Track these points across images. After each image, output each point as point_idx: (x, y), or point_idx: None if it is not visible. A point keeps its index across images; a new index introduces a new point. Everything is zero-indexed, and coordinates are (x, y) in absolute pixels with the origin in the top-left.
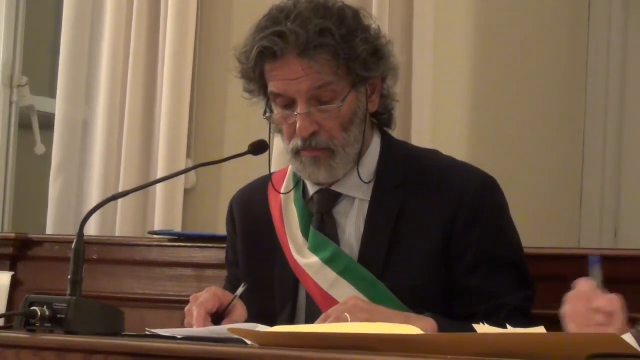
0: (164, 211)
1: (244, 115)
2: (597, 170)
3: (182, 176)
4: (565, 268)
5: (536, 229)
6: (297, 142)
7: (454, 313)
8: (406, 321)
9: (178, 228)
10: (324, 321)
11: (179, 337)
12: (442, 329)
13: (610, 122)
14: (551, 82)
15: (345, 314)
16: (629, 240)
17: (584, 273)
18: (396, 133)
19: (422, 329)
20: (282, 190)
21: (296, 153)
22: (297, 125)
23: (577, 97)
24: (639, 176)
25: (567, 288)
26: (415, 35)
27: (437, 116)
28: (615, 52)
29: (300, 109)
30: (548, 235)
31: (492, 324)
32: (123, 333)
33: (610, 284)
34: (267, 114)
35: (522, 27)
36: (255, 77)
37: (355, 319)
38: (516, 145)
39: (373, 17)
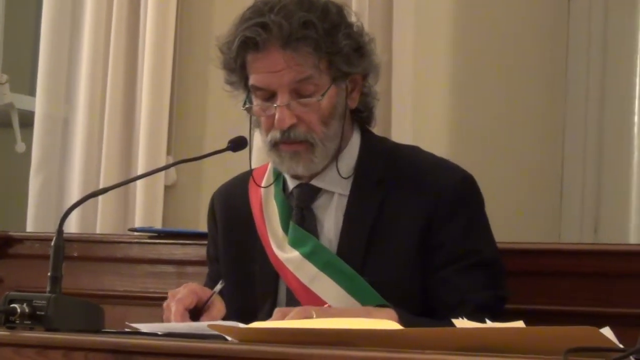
0: (145, 208)
1: (224, 112)
2: (577, 165)
3: (162, 173)
4: (546, 263)
5: (516, 224)
6: (276, 134)
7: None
8: (367, 314)
9: (158, 225)
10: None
11: (159, 333)
12: (403, 321)
13: (590, 117)
14: (531, 78)
15: (312, 310)
16: (608, 235)
17: (564, 268)
18: (377, 130)
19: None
20: (263, 185)
21: (274, 145)
22: (276, 117)
23: (557, 93)
24: (618, 172)
25: (547, 283)
26: (395, 32)
27: (417, 113)
28: (596, 47)
29: (280, 101)
30: (528, 231)
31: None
32: (103, 330)
33: (590, 278)
34: (247, 105)
35: (502, 24)
36: (237, 67)
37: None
38: (496, 141)
39: (356, 15)
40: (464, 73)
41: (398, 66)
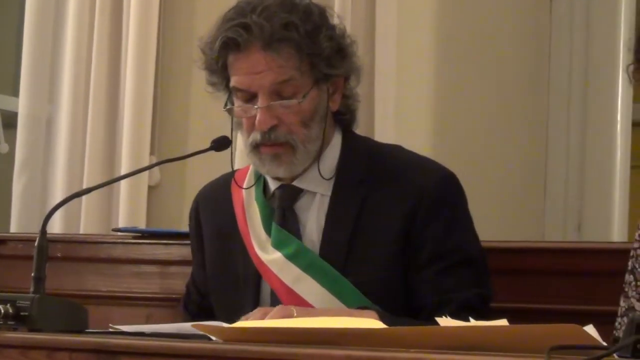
0: (128, 208)
1: (207, 113)
2: (561, 164)
3: (146, 173)
4: (529, 262)
5: (500, 223)
6: (256, 135)
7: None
8: (349, 315)
9: (142, 225)
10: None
11: (146, 332)
12: (384, 321)
13: (573, 116)
14: (514, 78)
15: (292, 308)
16: (592, 233)
17: (548, 266)
18: (360, 131)
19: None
20: (244, 186)
21: (255, 147)
22: (257, 119)
23: (540, 92)
24: (602, 170)
25: (531, 281)
26: (377, 33)
27: (400, 113)
28: (578, 47)
29: (260, 102)
30: (512, 229)
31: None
32: (87, 330)
33: (574, 276)
34: (228, 106)
35: (485, 25)
36: (218, 68)
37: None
38: (480, 140)
39: (339, 17)
40: (447, 73)
41: (381, 67)
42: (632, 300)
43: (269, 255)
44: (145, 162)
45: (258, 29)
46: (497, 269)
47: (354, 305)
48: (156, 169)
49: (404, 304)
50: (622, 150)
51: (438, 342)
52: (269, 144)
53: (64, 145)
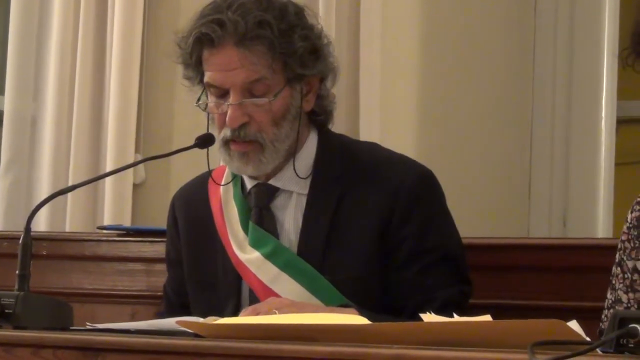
0: (113, 206)
1: (192, 110)
2: (546, 160)
3: (131, 171)
4: (514, 258)
5: (485, 219)
6: (227, 132)
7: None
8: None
9: (127, 223)
10: (249, 314)
11: (131, 329)
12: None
13: (558, 113)
14: (499, 75)
15: (274, 310)
16: (577, 229)
17: (533, 262)
18: (344, 128)
19: None
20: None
21: (225, 143)
22: (227, 115)
23: (524, 89)
24: (586, 166)
25: (517, 277)
26: (362, 30)
27: (385, 111)
28: (562, 42)
29: (232, 99)
30: (497, 225)
31: None
32: (71, 327)
33: (559, 272)
34: (200, 102)
35: (469, 22)
36: (192, 63)
37: (284, 314)
38: (465, 137)
39: (319, 18)
40: (432, 71)
41: (365, 65)
42: (619, 292)
43: (247, 255)
44: (131, 160)
45: (232, 25)
46: (483, 265)
47: (332, 304)
48: (141, 166)
49: (381, 301)
50: (607, 147)
51: (422, 338)
52: (238, 141)
53: (49, 143)
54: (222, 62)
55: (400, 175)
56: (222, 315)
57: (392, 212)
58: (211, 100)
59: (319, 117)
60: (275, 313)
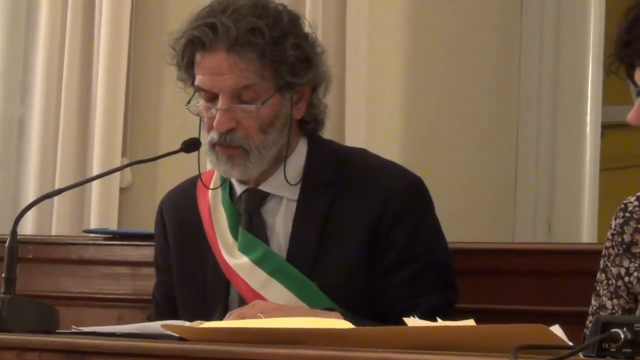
0: (100, 210)
1: (179, 114)
2: (531, 166)
3: (118, 175)
4: (500, 262)
5: (471, 224)
6: (214, 135)
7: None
8: (315, 316)
9: (114, 227)
10: (234, 318)
11: (117, 333)
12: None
13: (544, 118)
14: (484, 82)
15: (259, 314)
16: (562, 234)
17: (518, 267)
18: (330, 135)
19: None
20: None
21: (212, 146)
22: (215, 120)
23: (510, 95)
24: (572, 171)
25: (502, 282)
26: (348, 39)
27: (371, 118)
28: (548, 49)
29: (221, 104)
30: (482, 230)
31: None
32: (57, 331)
33: (544, 277)
34: (191, 104)
35: (456, 29)
36: (184, 65)
37: (269, 317)
38: (450, 143)
39: (312, 27)
40: (418, 79)
41: (352, 73)
42: (604, 298)
43: (236, 260)
44: (117, 164)
45: (224, 30)
46: (468, 269)
47: (320, 308)
48: (128, 170)
49: (370, 307)
50: (592, 152)
51: (406, 342)
52: (225, 145)
53: (36, 146)
54: (212, 66)
55: (389, 182)
56: (210, 320)
57: (382, 218)
58: (201, 103)
59: (308, 125)
60: (261, 317)
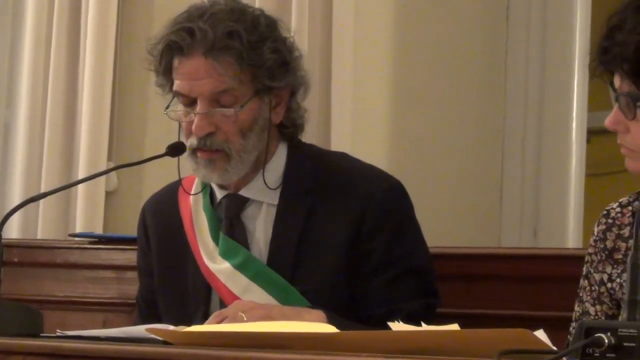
0: (85, 214)
1: (165, 119)
2: (517, 171)
3: (103, 179)
4: (485, 267)
5: (456, 229)
6: (193, 140)
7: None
8: (298, 314)
9: (99, 231)
10: (217, 319)
11: (101, 337)
12: (331, 323)
13: (530, 123)
14: (471, 85)
15: (241, 313)
16: (548, 239)
17: (503, 272)
18: (316, 139)
19: (311, 322)
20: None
21: (192, 152)
22: (194, 124)
23: (496, 100)
24: (558, 176)
25: (487, 287)
26: (334, 43)
27: (356, 122)
28: (534, 53)
29: (199, 108)
30: (468, 235)
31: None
32: (42, 334)
33: (529, 282)
34: (169, 109)
35: (442, 33)
36: (162, 70)
37: (252, 317)
38: (436, 146)
39: (291, 31)
40: (404, 82)
41: (337, 77)
42: (587, 305)
43: (217, 265)
44: (103, 168)
45: (201, 34)
46: (453, 274)
47: None
48: (113, 174)
49: (351, 312)
50: (578, 158)
51: (390, 346)
52: (205, 150)
53: (22, 150)
54: (190, 71)
55: (370, 187)
56: (191, 325)
57: (362, 223)
58: (180, 108)
59: (287, 130)
60: (242, 316)
